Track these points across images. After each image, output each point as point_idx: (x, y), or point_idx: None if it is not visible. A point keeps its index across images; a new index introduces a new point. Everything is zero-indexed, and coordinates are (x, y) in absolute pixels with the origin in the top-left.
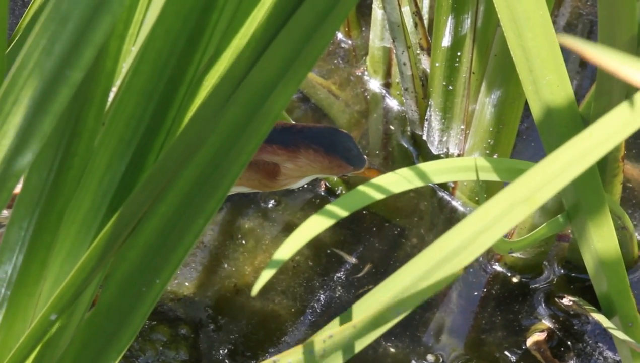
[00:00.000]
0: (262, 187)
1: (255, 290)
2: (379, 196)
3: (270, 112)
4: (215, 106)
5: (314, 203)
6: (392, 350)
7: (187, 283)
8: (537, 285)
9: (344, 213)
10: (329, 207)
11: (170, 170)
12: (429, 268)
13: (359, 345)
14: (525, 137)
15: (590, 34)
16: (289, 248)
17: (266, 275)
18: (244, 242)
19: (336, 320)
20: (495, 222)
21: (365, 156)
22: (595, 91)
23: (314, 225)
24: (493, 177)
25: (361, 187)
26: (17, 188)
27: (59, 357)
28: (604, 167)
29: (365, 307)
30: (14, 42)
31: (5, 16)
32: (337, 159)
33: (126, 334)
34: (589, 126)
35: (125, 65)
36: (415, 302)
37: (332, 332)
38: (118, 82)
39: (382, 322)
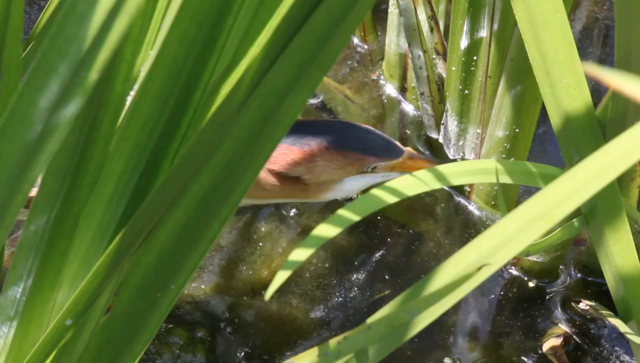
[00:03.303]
0: (297, 195)
1: (269, 293)
2: (392, 199)
3: (285, 117)
4: (230, 111)
5: (332, 206)
6: (408, 352)
7: (203, 286)
8: (553, 289)
9: (356, 218)
10: (341, 211)
11: (185, 175)
12: (447, 282)
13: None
14: (542, 142)
15: (606, 38)
16: (302, 252)
17: (282, 276)
18: (260, 244)
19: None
20: (514, 237)
21: (401, 146)
22: (612, 93)
23: (327, 230)
24: (509, 180)
25: (374, 191)
26: (33, 192)
27: (74, 362)
28: None
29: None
30: (30, 46)
31: (20, 23)
32: (351, 152)
33: (142, 339)
34: (607, 144)
35: (143, 70)
36: (432, 315)
37: (348, 334)
38: (135, 87)
39: (396, 323)
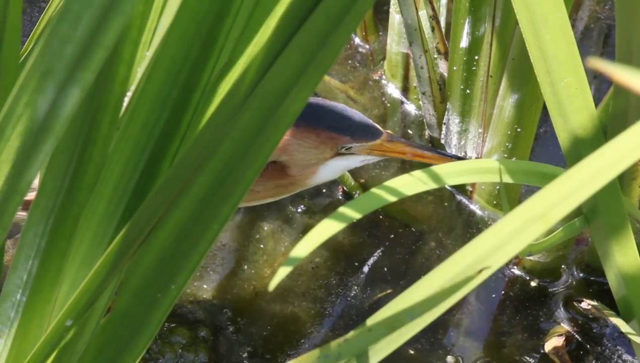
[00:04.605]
0: (285, 190)
1: (273, 284)
2: (393, 198)
3: (285, 117)
4: (229, 112)
5: (333, 206)
6: (411, 351)
7: (205, 286)
8: (555, 289)
9: (357, 215)
10: (343, 209)
11: (184, 175)
12: (444, 282)
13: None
14: (543, 141)
15: (607, 38)
16: (304, 248)
17: (283, 272)
18: (263, 244)
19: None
20: (510, 239)
21: (380, 127)
22: (613, 90)
23: (329, 227)
24: (511, 179)
25: (375, 189)
26: (32, 195)
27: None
28: None
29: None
30: (30, 47)
31: (19, 23)
32: (323, 130)
33: (142, 340)
34: (602, 146)
35: (139, 71)
36: (431, 315)
37: (348, 336)
38: (132, 88)
39: (397, 325)
